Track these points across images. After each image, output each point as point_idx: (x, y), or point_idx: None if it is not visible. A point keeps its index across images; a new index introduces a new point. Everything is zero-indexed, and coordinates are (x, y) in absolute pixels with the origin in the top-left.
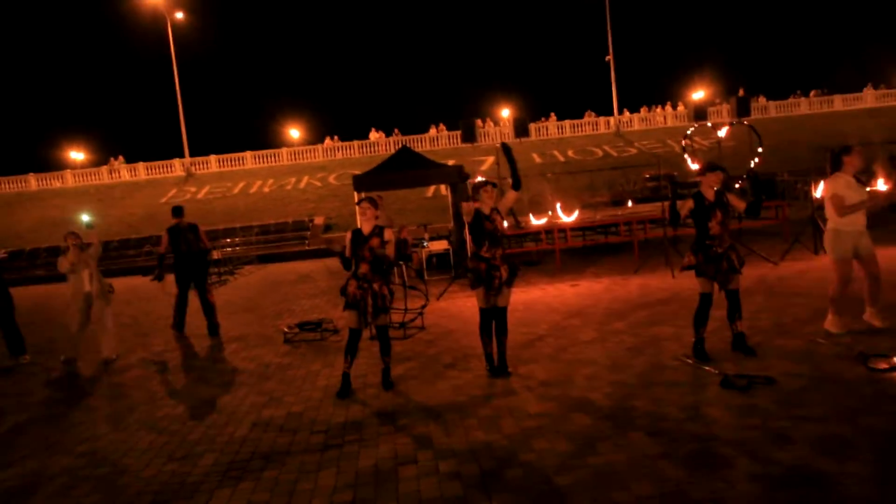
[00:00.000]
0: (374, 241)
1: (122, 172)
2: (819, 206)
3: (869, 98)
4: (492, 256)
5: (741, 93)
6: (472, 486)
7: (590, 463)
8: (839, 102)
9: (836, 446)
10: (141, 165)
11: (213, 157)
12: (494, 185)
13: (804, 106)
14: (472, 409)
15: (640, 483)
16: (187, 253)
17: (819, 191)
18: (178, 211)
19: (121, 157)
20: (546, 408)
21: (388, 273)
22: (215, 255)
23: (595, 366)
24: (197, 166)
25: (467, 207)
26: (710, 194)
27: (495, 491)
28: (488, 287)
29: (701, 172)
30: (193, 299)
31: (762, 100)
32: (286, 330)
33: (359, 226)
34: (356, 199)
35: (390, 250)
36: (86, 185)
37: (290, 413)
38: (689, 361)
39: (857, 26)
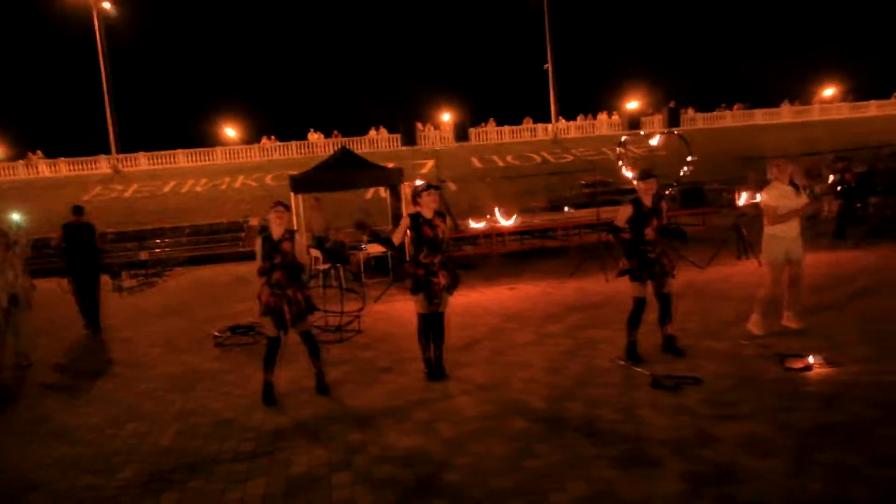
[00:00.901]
0: (286, 246)
1: (41, 168)
2: (742, 213)
3: (785, 113)
4: (430, 263)
5: (672, 104)
6: (408, 493)
7: (527, 465)
8: (759, 116)
9: (757, 444)
10: (62, 161)
11: (142, 155)
12: (437, 188)
13: (728, 119)
14: (409, 413)
15: (575, 483)
16: (79, 252)
17: (742, 199)
18: (78, 210)
19: (39, 152)
20: (483, 411)
21: (301, 279)
22: (142, 256)
23: (532, 368)
24: (125, 164)
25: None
26: (647, 201)
27: (431, 497)
28: (428, 293)
29: (638, 178)
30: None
31: (691, 111)
32: (217, 334)
33: (273, 234)
34: (292, 201)
35: (303, 257)
36: None
37: (220, 420)
38: (623, 363)
39: (778, 44)
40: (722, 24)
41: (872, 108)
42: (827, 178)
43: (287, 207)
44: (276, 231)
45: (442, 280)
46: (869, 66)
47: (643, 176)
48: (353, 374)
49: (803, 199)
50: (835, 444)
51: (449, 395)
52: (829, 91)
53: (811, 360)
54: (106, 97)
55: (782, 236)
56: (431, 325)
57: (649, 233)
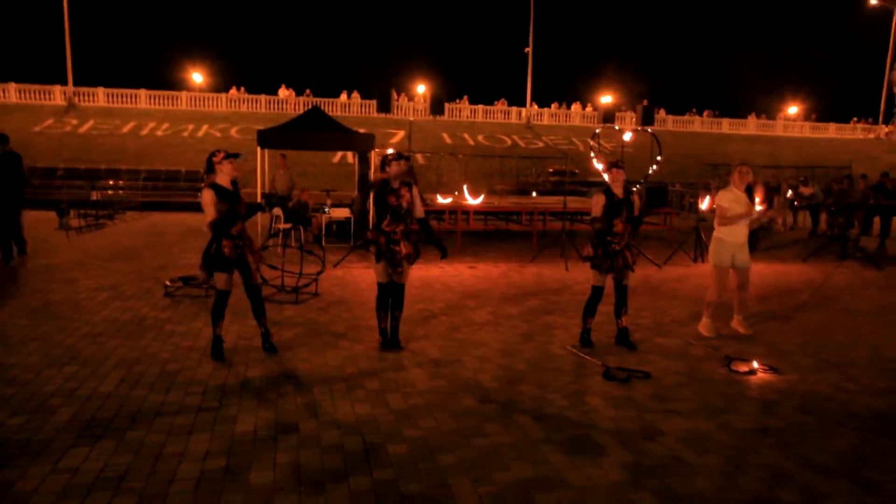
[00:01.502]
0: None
1: None
2: (702, 217)
3: (751, 125)
4: (392, 231)
5: (645, 103)
6: (354, 460)
7: (474, 444)
8: (726, 125)
9: (699, 441)
10: (12, 86)
11: (101, 90)
12: (407, 159)
13: (697, 124)
14: (360, 380)
15: (521, 465)
16: (3, 181)
17: (705, 203)
18: (3, 139)
19: None
20: (435, 385)
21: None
22: (93, 195)
23: (486, 348)
24: (81, 97)
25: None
26: (618, 191)
27: (377, 466)
28: (389, 262)
29: (609, 168)
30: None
31: (662, 112)
32: (168, 283)
33: (222, 182)
34: (258, 155)
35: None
36: None
37: (165, 371)
38: (575, 351)
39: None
40: (698, 32)
41: (831, 130)
42: (785, 193)
43: (238, 156)
44: (226, 181)
45: (403, 250)
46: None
47: (611, 165)
48: (307, 338)
49: (752, 208)
50: (770, 446)
51: (402, 367)
52: (792, 109)
53: (755, 365)
54: (66, 22)
55: (729, 241)
56: (390, 295)
57: (618, 224)
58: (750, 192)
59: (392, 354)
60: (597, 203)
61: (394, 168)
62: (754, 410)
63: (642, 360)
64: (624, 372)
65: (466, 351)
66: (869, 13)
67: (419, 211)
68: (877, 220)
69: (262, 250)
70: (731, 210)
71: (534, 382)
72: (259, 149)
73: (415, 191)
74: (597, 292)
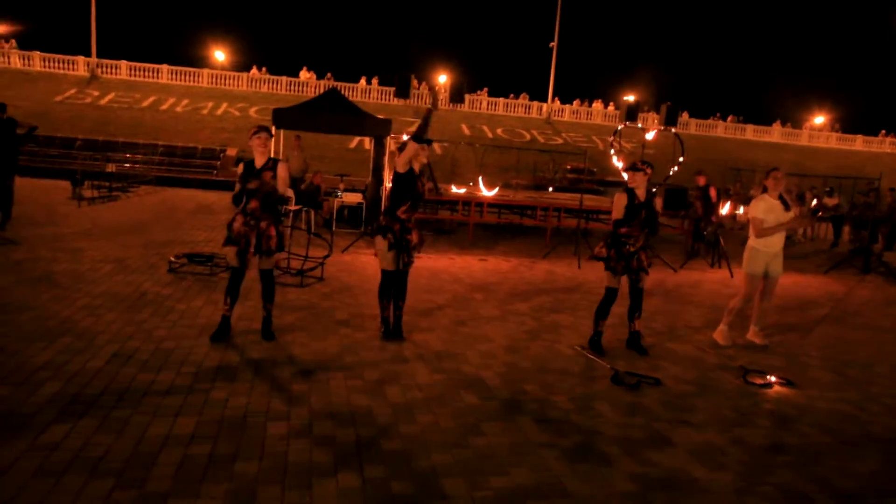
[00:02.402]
0: (267, 175)
1: (13, 59)
2: (720, 223)
3: (776, 133)
4: (408, 219)
5: (669, 104)
6: (345, 454)
7: (472, 443)
8: (751, 132)
9: (710, 454)
10: (37, 55)
11: (123, 63)
12: (430, 143)
13: (720, 129)
14: (359, 370)
15: (520, 471)
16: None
17: (725, 209)
18: (1, 107)
19: (13, 41)
20: (435, 380)
21: (280, 213)
22: (108, 167)
23: (491, 343)
24: (104, 69)
25: (409, 154)
26: (641, 193)
27: (369, 462)
28: (405, 250)
29: (628, 168)
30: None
31: (685, 115)
32: (173, 259)
33: (255, 158)
34: (271, 135)
35: (282, 187)
36: None
37: (159, 349)
38: (585, 352)
39: (778, 66)
40: (725, 35)
41: (859, 142)
42: (810, 202)
43: (270, 133)
44: (259, 159)
45: (415, 238)
46: (858, 101)
47: (632, 167)
48: (309, 322)
49: (791, 213)
50: (786, 465)
51: (403, 359)
52: (819, 119)
53: (771, 378)
54: None
55: (764, 250)
56: (395, 284)
57: (635, 225)
58: (783, 199)
59: (394, 345)
60: (618, 203)
61: (420, 154)
62: (769, 425)
63: (653, 366)
64: (633, 377)
65: (471, 345)
66: None
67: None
68: None
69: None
70: (766, 221)
71: (539, 382)
72: (274, 128)
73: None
74: (611, 294)
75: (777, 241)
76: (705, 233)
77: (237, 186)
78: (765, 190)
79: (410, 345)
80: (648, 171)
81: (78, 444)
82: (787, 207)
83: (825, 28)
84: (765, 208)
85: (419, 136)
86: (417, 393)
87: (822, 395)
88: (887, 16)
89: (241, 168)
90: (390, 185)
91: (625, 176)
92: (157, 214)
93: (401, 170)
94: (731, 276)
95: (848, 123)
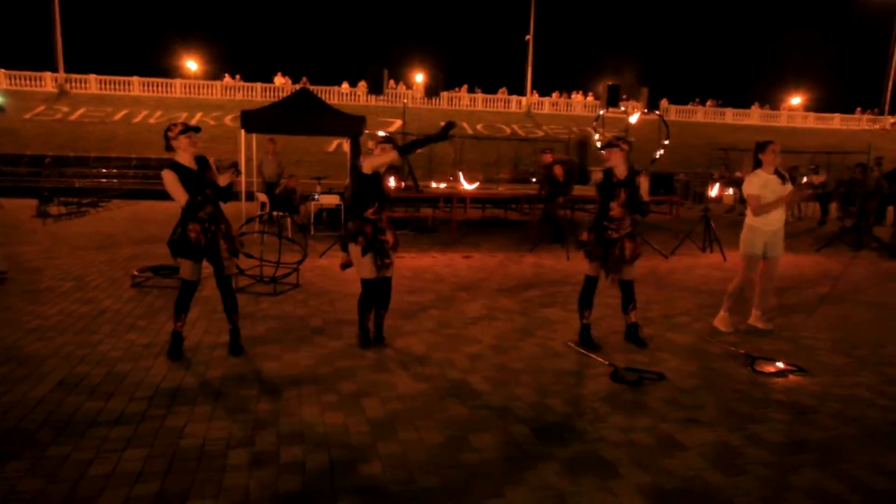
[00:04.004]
0: (210, 175)
1: None
2: (706, 207)
3: (755, 115)
4: (378, 219)
5: (648, 88)
6: (316, 482)
7: (461, 461)
8: (730, 115)
9: (727, 456)
10: (2, 73)
11: (92, 77)
12: (392, 142)
13: (700, 114)
14: (335, 383)
15: (517, 491)
16: None
17: (714, 191)
18: None
19: None
20: (419, 389)
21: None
22: (76, 183)
23: (479, 345)
24: (73, 84)
25: (384, 161)
26: (620, 172)
27: (343, 490)
28: (380, 253)
29: (608, 146)
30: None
31: (665, 102)
32: (136, 273)
33: (182, 161)
34: (242, 140)
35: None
36: None
37: (113, 372)
38: (578, 348)
39: (753, 48)
40: (700, 21)
41: (837, 121)
42: (800, 180)
43: (197, 130)
44: (188, 158)
45: (390, 238)
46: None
47: (608, 144)
48: (280, 333)
49: (788, 187)
50: (811, 464)
51: (383, 367)
52: (796, 99)
53: (780, 365)
54: (56, 8)
55: (762, 228)
56: (379, 292)
57: (615, 208)
58: (780, 174)
59: (372, 353)
60: (593, 178)
61: (384, 149)
62: (787, 419)
63: (654, 359)
64: (634, 373)
65: (457, 348)
66: (871, 3)
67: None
68: (890, 209)
69: (240, 236)
70: (763, 197)
71: (532, 385)
72: (244, 132)
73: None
74: (589, 282)
75: (776, 219)
76: (553, 213)
77: (183, 193)
78: (758, 165)
79: (391, 351)
80: (625, 146)
81: (2, 491)
82: (783, 181)
83: (797, 9)
84: (760, 184)
85: (406, 149)
86: (399, 405)
87: (837, 382)
88: None
89: (171, 175)
90: (352, 185)
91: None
92: (127, 227)
93: (367, 171)
94: (725, 259)
95: (825, 102)
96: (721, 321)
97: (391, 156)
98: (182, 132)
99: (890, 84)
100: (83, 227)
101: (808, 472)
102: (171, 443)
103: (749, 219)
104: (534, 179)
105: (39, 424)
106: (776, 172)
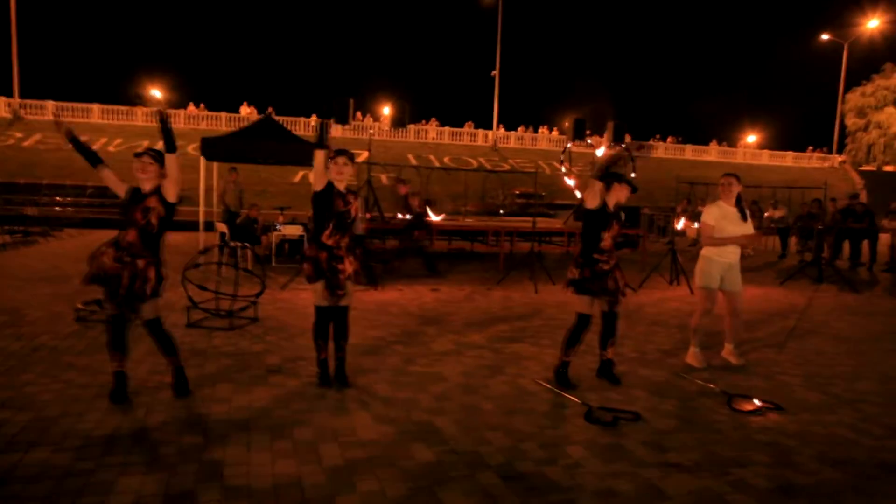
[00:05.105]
0: (152, 202)
1: None
2: (671, 240)
3: (713, 152)
4: (335, 245)
5: (615, 122)
6: None
7: None
8: (689, 152)
9: None
10: None
11: (49, 103)
12: (352, 157)
13: (661, 150)
14: (289, 428)
15: None
16: None
17: (680, 224)
18: None
19: None
20: (381, 433)
21: (159, 250)
22: (28, 211)
23: (446, 383)
24: (28, 110)
25: (318, 165)
26: (612, 204)
27: None
28: (330, 282)
29: (616, 179)
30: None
31: (628, 138)
32: (79, 306)
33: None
34: (201, 169)
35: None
36: None
37: (39, 418)
38: (549, 387)
39: (712, 86)
40: (661, 61)
41: (789, 159)
42: (762, 215)
43: (156, 157)
44: (147, 184)
45: (349, 267)
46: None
47: (616, 177)
48: (234, 372)
49: (749, 228)
50: None
51: (343, 409)
52: (751, 137)
53: (758, 402)
54: (14, 32)
55: (717, 260)
56: (331, 321)
57: (607, 239)
58: (741, 208)
59: (332, 392)
60: (592, 189)
61: (340, 165)
62: (770, 461)
63: (628, 397)
64: (609, 413)
65: (423, 387)
66: (821, 47)
67: (359, 227)
68: (846, 243)
69: (194, 268)
70: (718, 229)
71: (503, 428)
72: (203, 160)
73: (359, 202)
74: (583, 320)
75: (731, 251)
76: (418, 245)
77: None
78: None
79: (353, 391)
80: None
81: None
82: (743, 217)
83: (753, 50)
84: (718, 214)
85: (320, 143)
86: (359, 452)
87: (816, 420)
88: (806, 38)
89: (126, 189)
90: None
91: (578, 195)
92: (77, 258)
93: (317, 187)
94: (692, 292)
95: (778, 141)
96: (693, 357)
97: (320, 156)
98: (135, 155)
99: (837, 124)
100: (28, 257)
101: None
102: (98, 501)
103: (705, 249)
104: (399, 215)
105: None
106: (738, 206)
